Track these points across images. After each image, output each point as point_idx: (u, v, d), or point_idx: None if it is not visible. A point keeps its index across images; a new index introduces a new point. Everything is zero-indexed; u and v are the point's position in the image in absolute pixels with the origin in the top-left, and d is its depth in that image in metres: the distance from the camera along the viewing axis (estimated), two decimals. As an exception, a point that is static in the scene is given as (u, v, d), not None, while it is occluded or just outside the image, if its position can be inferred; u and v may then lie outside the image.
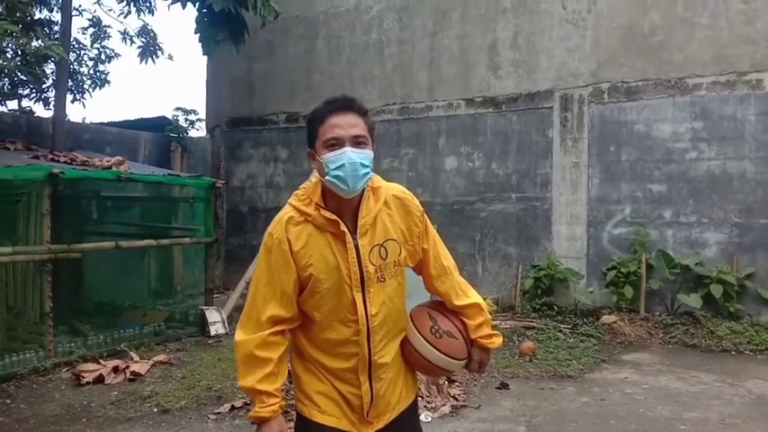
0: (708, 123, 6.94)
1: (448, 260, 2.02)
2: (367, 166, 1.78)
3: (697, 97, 6.98)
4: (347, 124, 1.78)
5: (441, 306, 2.00)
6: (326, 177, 1.77)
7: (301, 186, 1.94)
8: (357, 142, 1.78)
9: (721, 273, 6.60)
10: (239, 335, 1.87)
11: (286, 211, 1.87)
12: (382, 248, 1.86)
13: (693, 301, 6.62)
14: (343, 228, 1.81)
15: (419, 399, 4.35)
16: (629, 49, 7.33)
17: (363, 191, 1.84)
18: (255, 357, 1.82)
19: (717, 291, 6.52)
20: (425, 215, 1.99)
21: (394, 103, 8.81)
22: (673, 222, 7.11)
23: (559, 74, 7.73)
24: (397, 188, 1.97)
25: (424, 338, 1.90)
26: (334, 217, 1.81)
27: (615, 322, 6.80)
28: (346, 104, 1.82)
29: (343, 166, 1.74)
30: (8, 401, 4.70)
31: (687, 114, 7.04)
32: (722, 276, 6.57)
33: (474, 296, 2.01)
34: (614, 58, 7.41)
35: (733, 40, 6.81)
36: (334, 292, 1.82)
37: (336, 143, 1.77)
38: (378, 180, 1.91)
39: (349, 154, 1.75)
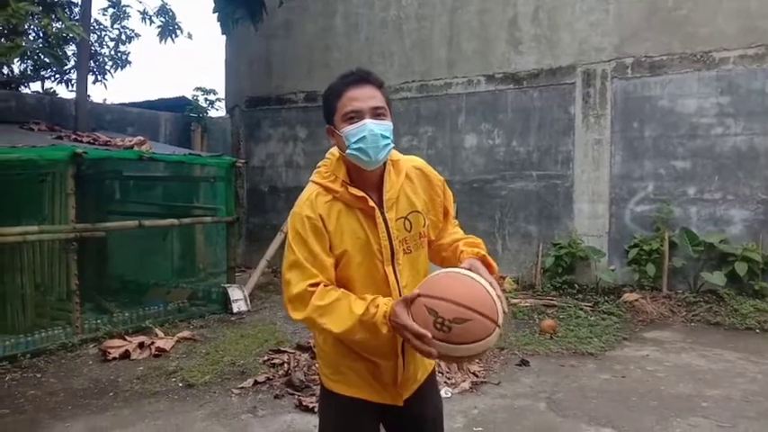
0: (734, 98, 6.78)
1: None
2: (387, 137, 1.78)
3: (723, 71, 6.82)
4: (365, 96, 1.77)
5: (431, 286, 1.70)
6: (348, 151, 1.77)
7: (320, 164, 1.93)
8: (376, 114, 1.77)
9: (746, 250, 6.50)
10: (298, 315, 1.77)
11: (312, 190, 1.85)
12: (407, 221, 1.88)
13: (717, 278, 6.53)
14: (372, 204, 1.81)
15: (440, 374, 4.40)
16: (653, 23, 7.16)
17: (385, 165, 1.84)
18: (328, 306, 1.73)
19: (741, 268, 6.43)
20: (446, 185, 2.02)
21: (413, 81, 8.74)
22: (697, 199, 7.00)
23: (582, 49, 7.59)
24: (416, 159, 1.99)
25: (435, 338, 1.63)
26: (362, 193, 1.80)
27: (637, 300, 6.75)
28: (362, 77, 1.80)
29: (364, 138, 1.74)
30: (39, 376, 4.83)
31: (713, 89, 6.88)
32: (747, 254, 6.47)
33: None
34: (638, 33, 7.25)
35: (762, 11, 6.61)
36: (365, 267, 1.82)
37: (356, 116, 1.76)
38: (396, 153, 1.91)
39: (369, 126, 1.75)
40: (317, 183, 1.86)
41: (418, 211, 1.90)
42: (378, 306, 1.71)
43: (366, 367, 1.89)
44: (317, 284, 1.76)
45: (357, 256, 1.81)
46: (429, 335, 1.60)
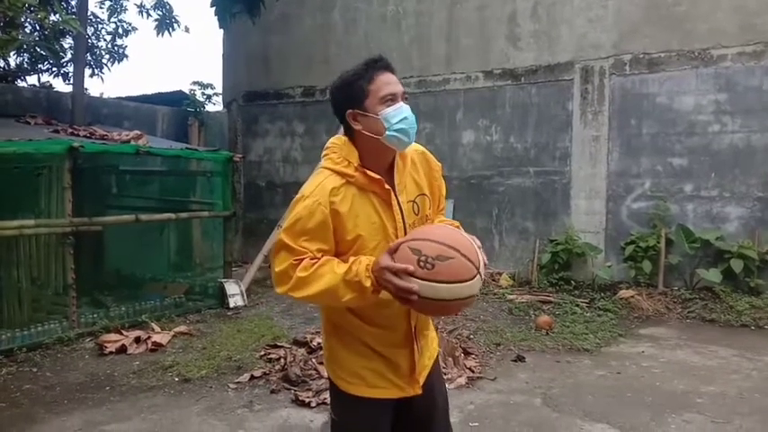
0: (732, 95, 6.78)
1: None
2: (417, 120, 1.86)
3: (722, 68, 6.82)
4: (395, 81, 1.83)
5: (415, 233, 1.75)
6: (387, 133, 1.79)
7: (327, 151, 1.91)
8: (405, 98, 1.85)
9: (742, 247, 6.52)
10: (282, 288, 1.80)
11: (324, 175, 1.84)
12: (415, 204, 1.92)
13: (713, 275, 6.55)
14: (388, 186, 1.83)
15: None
16: (652, 20, 7.16)
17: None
18: (311, 275, 1.74)
19: (737, 266, 6.44)
20: (441, 171, 2.10)
21: (411, 76, 8.71)
22: (694, 196, 7.01)
23: (580, 45, 7.59)
24: (417, 144, 2.02)
25: (418, 277, 1.63)
26: (378, 177, 1.82)
27: (633, 297, 6.76)
28: (387, 64, 1.86)
29: (405, 118, 1.80)
30: (35, 370, 4.83)
31: (711, 86, 6.89)
32: (743, 251, 6.48)
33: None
34: (637, 29, 7.25)
35: (761, 8, 6.61)
36: (379, 251, 1.79)
37: (393, 99, 1.81)
38: None
39: (406, 108, 1.82)
40: (329, 168, 1.85)
41: (425, 194, 1.96)
42: (361, 262, 1.73)
43: (384, 364, 1.89)
44: (301, 259, 1.77)
45: (372, 240, 1.81)
46: (411, 268, 1.62)
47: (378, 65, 1.84)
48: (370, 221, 1.82)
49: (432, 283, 1.61)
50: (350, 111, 1.84)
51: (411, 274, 1.62)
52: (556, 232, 7.75)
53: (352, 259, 1.76)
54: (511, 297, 7.07)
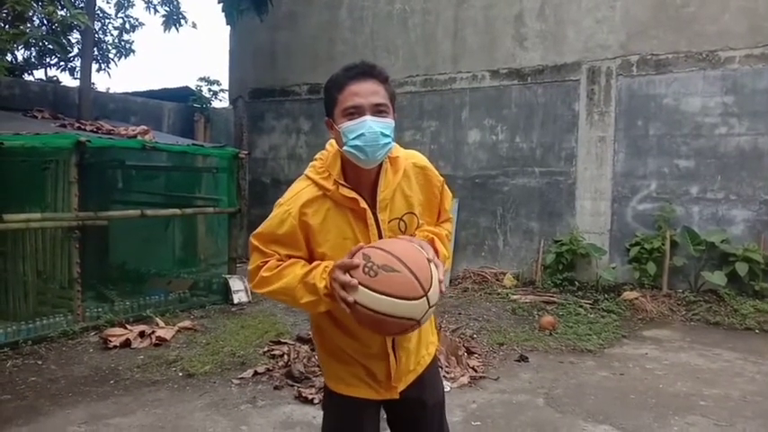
0: (739, 98, 6.76)
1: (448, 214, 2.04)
2: (388, 136, 1.71)
3: (729, 71, 6.80)
4: (367, 92, 1.70)
5: (376, 241, 1.74)
6: (345, 147, 1.71)
7: (316, 157, 1.88)
8: (378, 111, 1.71)
9: (748, 250, 6.50)
10: (250, 283, 1.87)
11: (303, 185, 1.82)
12: (401, 222, 1.84)
13: (718, 278, 6.53)
14: (364, 205, 1.77)
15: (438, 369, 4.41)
16: (660, 21, 7.14)
17: (382, 162, 1.79)
18: (274, 275, 1.78)
19: (742, 269, 6.43)
20: (445, 185, 1.98)
21: (417, 75, 8.72)
22: (699, 199, 6.99)
23: (587, 45, 7.57)
24: (416, 156, 1.93)
25: (360, 282, 1.59)
26: (354, 195, 1.76)
27: (637, 298, 6.75)
28: (366, 71, 1.73)
29: (362, 135, 1.68)
30: (40, 362, 4.85)
31: (718, 88, 6.86)
32: (748, 254, 6.46)
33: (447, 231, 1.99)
34: (644, 30, 7.22)
35: (769, 11, 6.59)
36: None
37: (356, 111, 1.69)
38: (396, 149, 1.85)
39: (369, 123, 1.68)
40: (309, 177, 1.82)
41: (413, 213, 1.86)
42: (320, 264, 1.73)
43: (361, 369, 1.90)
44: (267, 261, 1.81)
45: (343, 256, 1.76)
46: (354, 262, 1.60)
47: (351, 72, 1.72)
48: (342, 237, 1.78)
49: (371, 292, 1.57)
50: (326, 118, 1.80)
51: (353, 277, 1.60)
52: (560, 233, 7.74)
53: (315, 263, 1.76)
54: (514, 297, 7.07)
